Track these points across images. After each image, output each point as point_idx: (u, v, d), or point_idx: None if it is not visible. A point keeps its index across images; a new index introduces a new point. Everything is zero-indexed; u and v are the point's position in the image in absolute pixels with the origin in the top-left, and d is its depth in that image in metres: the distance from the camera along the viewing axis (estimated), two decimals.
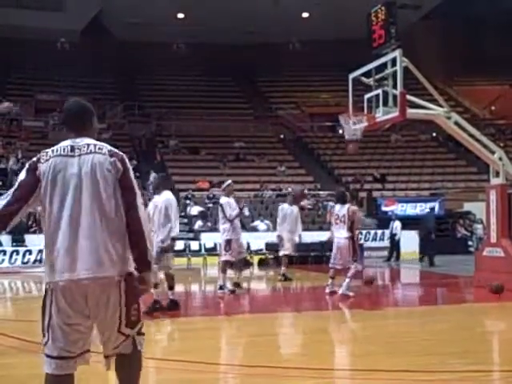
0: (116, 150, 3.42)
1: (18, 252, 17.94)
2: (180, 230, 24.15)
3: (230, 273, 11.63)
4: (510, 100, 34.83)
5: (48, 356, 3.25)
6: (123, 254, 3.25)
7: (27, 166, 3.37)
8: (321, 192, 26.23)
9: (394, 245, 21.26)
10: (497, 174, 12.14)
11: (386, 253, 21.53)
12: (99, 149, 3.36)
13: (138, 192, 3.35)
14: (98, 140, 3.61)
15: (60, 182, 3.25)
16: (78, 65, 32.50)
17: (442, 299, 11.85)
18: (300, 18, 34.50)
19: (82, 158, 3.30)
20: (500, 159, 12.09)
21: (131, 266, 3.28)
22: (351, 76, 12.70)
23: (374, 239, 22.72)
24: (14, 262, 17.71)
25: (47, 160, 3.33)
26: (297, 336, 7.25)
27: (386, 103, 11.65)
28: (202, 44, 34.48)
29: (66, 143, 3.40)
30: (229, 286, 11.33)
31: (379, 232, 22.83)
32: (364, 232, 22.89)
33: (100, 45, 34.26)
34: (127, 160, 3.41)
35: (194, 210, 22.88)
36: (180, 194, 24.88)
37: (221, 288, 10.95)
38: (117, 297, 3.21)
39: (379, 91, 11.83)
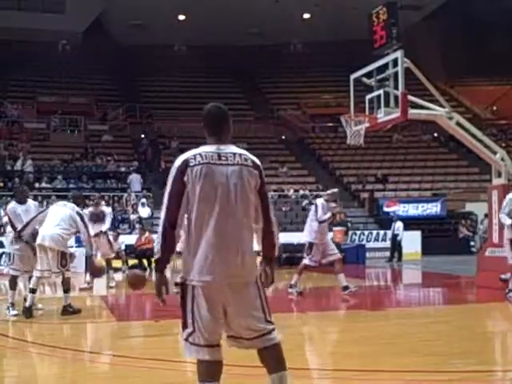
0: (258, 162, 3.56)
1: None
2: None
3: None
4: (511, 100, 34.78)
5: None
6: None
7: (174, 174, 3.45)
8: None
9: (396, 245, 21.25)
10: (499, 175, 12.12)
11: (387, 253, 21.52)
12: (245, 160, 3.51)
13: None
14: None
15: (207, 188, 3.39)
16: (80, 67, 32.52)
17: (444, 300, 11.83)
18: (301, 18, 34.50)
19: (230, 169, 3.44)
20: (502, 159, 12.08)
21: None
22: (352, 77, 12.69)
23: (376, 240, 22.72)
24: None
25: (196, 165, 3.42)
26: (297, 336, 7.24)
27: (387, 104, 11.65)
28: (202, 45, 34.49)
29: (212, 149, 3.50)
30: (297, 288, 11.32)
31: (381, 232, 22.83)
32: (366, 232, 22.91)
33: (101, 47, 34.26)
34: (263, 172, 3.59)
35: None
36: None
37: (291, 287, 10.92)
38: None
39: (381, 92, 11.82)
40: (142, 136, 30.63)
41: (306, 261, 10.89)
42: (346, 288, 10.64)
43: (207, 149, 3.49)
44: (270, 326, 3.53)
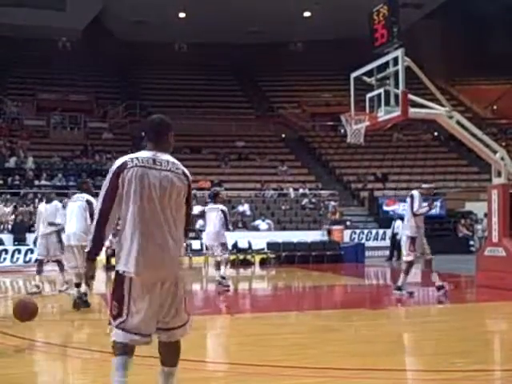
0: (187, 173, 3.94)
1: (19, 251, 17.97)
2: None
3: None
4: (511, 99, 34.78)
5: None
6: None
7: (111, 174, 3.78)
8: (322, 191, 26.23)
9: (396, 244, 21.22)
10: (498, 174, 12.11)
11: (387, 252, 21.52)
12: (176, 168, 3.87)
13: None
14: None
15: (142, 189, 3.72)
16: (80, 64, 32.51)
17: (443, 299, 11.83)
18: (301, 17, 34.48)
19: (162, 173, 3.78)
20: (502, 159, 12.06)
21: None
22: (353, 75, 12.67)
23: (376, 239, 22.72)
24: (16, 260, 17.73)
25: (132, 167, 3.75)
26: (297, 335, 7.24)
27: (387, 102, 11.63)
28: (203, 43, 34.49)
29: (148, 155, 3.84)
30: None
31: (380, 231, 22.83)
32: (366, 231, 22.91)
33: (101, 44, 34.27)
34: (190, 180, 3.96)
35: (195, 209, 22.82)
36: None
37: (399, 289, 10.53)
38: None
39: (381, 90, 11.80)
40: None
41: (410, 257, 10.41)
42: (399, 289, 10.49)
43: (144, 154, 3.84)
44: (186, 317, 3.92)
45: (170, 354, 3.94)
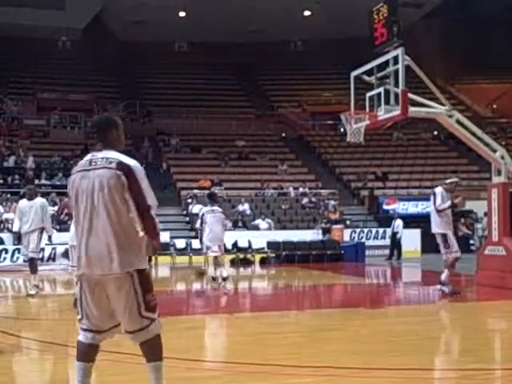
0: (127, 162, 3.81)
1: (19, 250, 17.93)
2: (181, 229, 24.09)
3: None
4: (511, 98, 34.76)
5: None
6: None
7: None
8: (322, 190, 26.23)
9: (396, 243, 21.26)
10: (498, 173, 12.11)
11: (387, 251, 21.52)
12: (110, 163, 3.79)
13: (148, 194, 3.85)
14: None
15: (79, 193, 3.82)
16: (80, 63, 32.51)
17: (443, 297, 11.83)
18: (302, 16, 34.48)
19: (96, 172, 3.78)
20: (502, 158, 12.06)
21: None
22: (353, 74, 12.67)
23: (376, 237, 22.72)
24: (16, 260, 17.72)
25: (74, 173, 3.90)
26: (297, 334, 7.25)
27: (387, 101, 11.63)
28: (203, 42, 34.49)
29: (88, 157, 3.90)
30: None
31: (380, 230, 22.82)
32: (366, 230, 22.92)
33: (101, 43, 34.27)
34: (139, 172, 3.82)
35: (196, 208, 22.88)
36: (181, 193, 24.93)
37: (442, 284, 10.33)
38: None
39: (381, 89, 11.81)
40: (144, 137, 30.59)
41: (450, 255, 10.25)
42: (443, 284, 10.26)
43: (86, 157, 3.92)
44: (145, 322, 3.79)
45: (145, 353, 3.89)
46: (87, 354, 3.88)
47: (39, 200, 10.79)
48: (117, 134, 3.98)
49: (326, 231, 21.87)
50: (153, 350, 3.86)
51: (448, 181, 10.81)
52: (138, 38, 34.32)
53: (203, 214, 12.61)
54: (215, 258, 12.73)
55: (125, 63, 35.11)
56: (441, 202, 10.15)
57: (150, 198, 3.85)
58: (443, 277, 10.29)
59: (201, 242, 13.18)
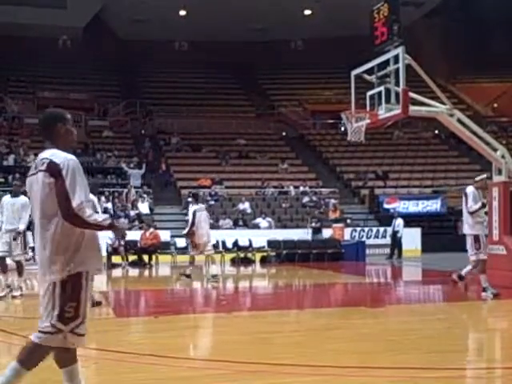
0: (56, 160, 3.60)
1: None
2: (182, 228, 24.11)
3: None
4: None
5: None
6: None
7: None
8: (323, 189, 26.22)
9: (396, 242, 21.25)
10: (499, 172, 12.11)
11: (387, 250, 21.52)
12: (42, 164, 3.65)
13: (77, 196, 3.53)
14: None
15: (32, 199, 3.75)
16: (80, 62, 32.50)
17: (443, 297, 11.83)
18: (302, 15, 34.47)
19: (34, 177, 3.68)
20: (502, 157, 12.06)
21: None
22: (353, 73, 12.67)
23: (376, 236, 22.72)
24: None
25: (27, 178, 3.81)
26: (297, 333, 7.25)
27: (388, 100, 11.63)
28: (203, 41, 34.47)
29: (36, 160, 3.80)
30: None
31: (381, 229, 22.82)
32: (366, 229, 22.92)
33: (102, 42, 34.26)
34: (66, 169, 3.58)
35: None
36: (182, 192, 24.93)
37: (484, 290, 9.83)
38: None
39: (381, 88, 11.80)
40: (142, 131, 30.64)
41: (481, 256, 9.85)
42: (485, 290, 9.84)
43: (37, 158, 3.80)
44: (48, 329, 3.55)
45: (22, 350, 3.68)
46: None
47: (23, 198, 10.00)
48: (64, 129, 3.81)
49: (316, 231, 21.70)
50: (24, 351, 3.64)
51: (478, 178, 10.37)
52: (138, 37, 34.31)
53: (195, 212, 12.93)
54: (208, 256, 13.17)
55: (125, 62, 35.11)
56: (472, 203, 9.77)
57: (78, 195, 3.52)
58: (483, 283, 9.88)
59: (189, 240, 13.50)
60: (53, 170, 3.57)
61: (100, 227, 3.60)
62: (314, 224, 22.00)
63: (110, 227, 3.65)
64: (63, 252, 3.55)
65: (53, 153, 3.68)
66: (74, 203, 3.49)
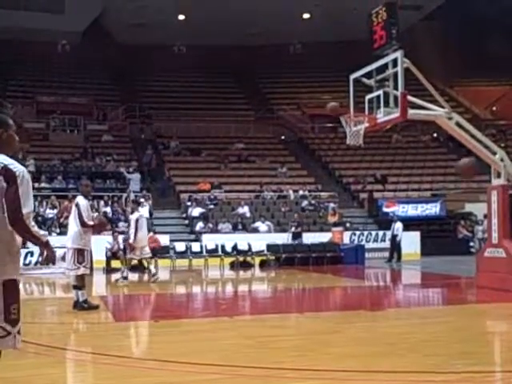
0: (10, 167, 3.61)
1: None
2: (181, 232, 24.08)
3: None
4: (510, 101, 34.79)
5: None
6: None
7: None
8: (322, 193, 26.22)
9: (395, 246, 21.24)
10: (498, 175, 12.12)
11: (387, 254, 21.51)
12: None
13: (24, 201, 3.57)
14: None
15: None
16: (79, 66, 32.53)
17: (443, 300, 11.83)
18: (301, 19, 34.50)
19: None
20: (501, 160, 12.08)
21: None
22: (352, 77, 12.69)
23: (375, 240, 22.71)
24: None
25: None
26: (297, 337, 7.24)
27: (386, 104, 11.65)
28: (202, 45, 34.50)
29: None
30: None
31: (380, 233, 22.82)
32: (365, 233, 22.91)
33: (101, 47, 34.26)
34: (21, 177, 3.60)
35: (195, 211, 22.90)
36: (181, 196, 24.93)
37: None
38: None
39: (380, 92, 11.83)
40: (142, 136, 30.65)
41: None
42: None
43: None
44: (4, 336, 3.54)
45: None
46: None
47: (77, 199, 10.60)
48: (6, 135, 3.78)
49: (295, 235, 21.49)
50: None
51: None
52: (137, 42, 34.32)
53: (140, 218, 13.57)
54: (145, 258, 13.92)
55: (124, 66, 35.11)
56: None
57: (29, 204, 3.60)
58: None
59: (129, 244, 13.93)
60: (8, 175, 3.59)
61: (37, 240, 3.71)
62: (293, 229, 21.73)
63: (45, 245, 3.78)
64: (3, 256, 3.57)
65: (4, 158, 3.67)
66: (25, 211, 3.54)
